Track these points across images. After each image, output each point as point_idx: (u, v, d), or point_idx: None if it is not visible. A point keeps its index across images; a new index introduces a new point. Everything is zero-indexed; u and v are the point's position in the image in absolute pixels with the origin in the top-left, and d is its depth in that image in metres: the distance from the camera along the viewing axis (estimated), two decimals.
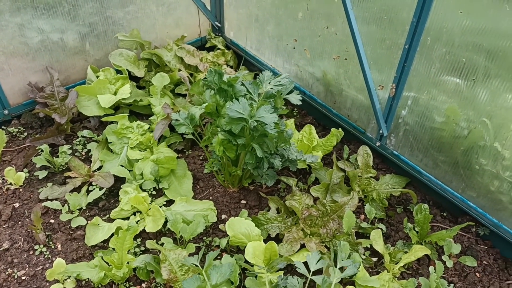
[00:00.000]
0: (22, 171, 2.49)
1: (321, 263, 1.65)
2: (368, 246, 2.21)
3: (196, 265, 1.67)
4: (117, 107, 2.88)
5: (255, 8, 3.07)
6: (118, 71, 2.97)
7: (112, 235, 2.16)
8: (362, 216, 2.45)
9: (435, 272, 2.04)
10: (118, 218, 2.28)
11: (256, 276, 1.97)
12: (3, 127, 2.76)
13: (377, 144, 2.64)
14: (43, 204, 2.29)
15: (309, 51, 2.80)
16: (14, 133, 2.75)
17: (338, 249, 1.94)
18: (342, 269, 1.72)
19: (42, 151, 2.52)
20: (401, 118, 2.43)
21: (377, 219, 2.41)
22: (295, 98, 2.22)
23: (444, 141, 2.28)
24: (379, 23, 2.28)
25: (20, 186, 2.44)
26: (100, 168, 2.54)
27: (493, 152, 2.08)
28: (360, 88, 2.56)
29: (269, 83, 2.17)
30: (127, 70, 2.94)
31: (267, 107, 1.97)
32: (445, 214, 2.48)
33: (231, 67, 3.38)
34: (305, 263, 1.80)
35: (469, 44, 1.94)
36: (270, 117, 1.95)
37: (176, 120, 2.18)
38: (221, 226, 2.29)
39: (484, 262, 2.27)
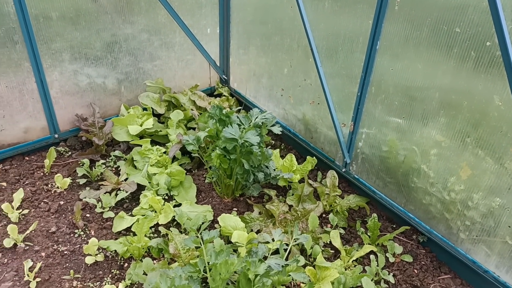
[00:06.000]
0: (67, 178, 3.24)
1: (282, 235, 2.32)
2: (328, 242, 2.86)
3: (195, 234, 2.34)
4: (141, 136, 3.66)
5: (253, 65, 3.94)
6: (145, 109, 3.79)
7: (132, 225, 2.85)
8: (329, 225, 3.10)
9: (376, 261, 2.67)
10: (138, 215, 2.98)
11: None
12: (53, 146, 3.55)
13: (343, 170, 3.34)
14: (83, 200, 3.01)
15: (293, 98, 3.61)
16: (61, 152, 3.53)
17: (301, 238, 2.59)
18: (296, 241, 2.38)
19: (83, 164, 3.28)
20: (359, 148, 3.15)
21: (339, 227, 3.06)
22: (277, 129, 2.99)
23: (389, 166, 2.98)
24: (340, 77, 3.08)
25: (64, 189, 3.17)
26: (126, 179, 3.27)
27: (422, 172, 2.77)
28: (329, 126, 3.32)
29: (256, 117, 2.95)
30: (151, 108, 3.77)
31: (252, 132, 2.73)
32: (394, 226, 3.11)
33: None
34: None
35: (398, 91, 2.71)
36: (254, 139, 2.70)
37: (186, 140, 2.95)
38: (216, 226, 2.97)
39: (422, 262, 2.86)
